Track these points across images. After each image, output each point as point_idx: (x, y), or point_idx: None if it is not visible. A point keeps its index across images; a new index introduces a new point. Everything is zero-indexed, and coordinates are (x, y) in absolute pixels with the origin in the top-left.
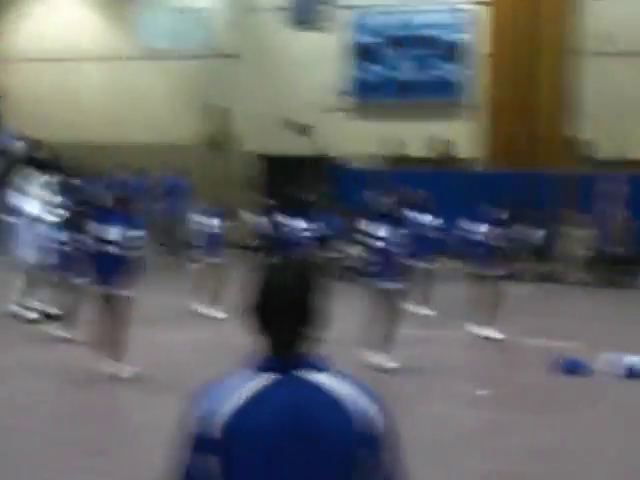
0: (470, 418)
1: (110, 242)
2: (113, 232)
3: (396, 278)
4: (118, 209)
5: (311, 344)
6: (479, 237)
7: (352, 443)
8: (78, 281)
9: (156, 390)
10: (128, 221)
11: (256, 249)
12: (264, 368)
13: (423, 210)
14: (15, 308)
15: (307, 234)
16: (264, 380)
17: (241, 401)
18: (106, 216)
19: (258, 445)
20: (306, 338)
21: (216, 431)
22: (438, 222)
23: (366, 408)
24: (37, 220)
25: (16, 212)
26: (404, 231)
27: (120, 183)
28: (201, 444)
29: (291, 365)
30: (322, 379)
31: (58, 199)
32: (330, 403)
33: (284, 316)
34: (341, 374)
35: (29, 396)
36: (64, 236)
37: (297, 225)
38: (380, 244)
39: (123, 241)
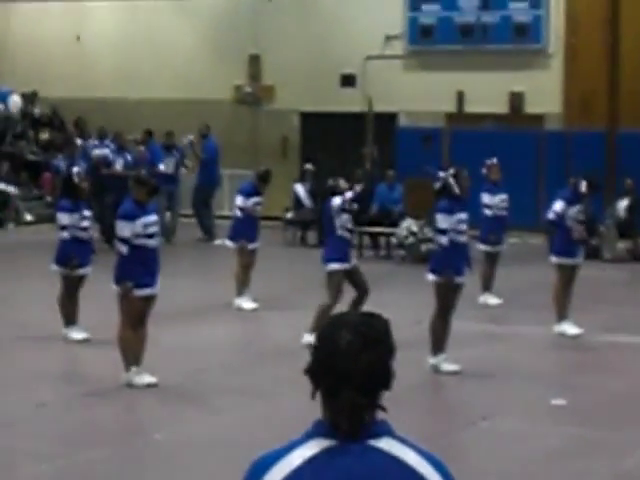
0: (544, 435)
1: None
2: (138, 224)
3: (461, 270)
4: (141, 198)
5: (374, 410)
6: (554, 218)
7: None
8: (83, 271)
9: (179, 401)
10: (149, 208)
11: (292, 222)
12: (320, 433)
13: (488, 186)
14: None
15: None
16: (319, 446)
17: (290, 469)
18: (129, 207)
19: None
20: (371, 406)
21: None
22: (504, 198)
23: (434, 476)
24: None
25: None
26: (464, 216)
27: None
28: None
29: (351, 431)
30: (384, 445)
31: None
32: (397, 471)
33: (347, 383)
34: (402, 439)
35: (32, 410)
36: (66, 219)
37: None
38: (444, 240)
39: (145, 230)
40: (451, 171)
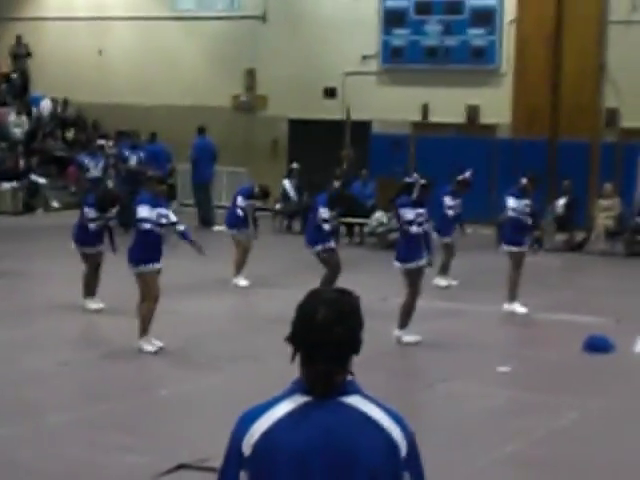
0: (490, 396)
1: (151, 221)
2: (155, 212)
3: (422, 255)
4: (156, 191)
5: (345, 373)
6: (513, 214)
7: (384, 462)
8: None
9: (182, 363)
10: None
11: (279, 212)
12: (299, 390)
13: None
14: None
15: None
16: (298, 401)
17: (272, 420)
18: (146, 198)
19: (288, 463)
20: (342, 370)
21: (247, 448)
22: (458, 201)
23: (394, 429)
24: None
25: None
26: (422, 210)
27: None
28: (235, 460)
29: (324, 392)
30: (353, 401)
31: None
32: (363, 424)
33: (322, 352)
34: (368, 396)
35: (56, 368)
36: (91, 212)
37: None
38: (412, 229)
39: (158, 219)
40: (422, 181)
